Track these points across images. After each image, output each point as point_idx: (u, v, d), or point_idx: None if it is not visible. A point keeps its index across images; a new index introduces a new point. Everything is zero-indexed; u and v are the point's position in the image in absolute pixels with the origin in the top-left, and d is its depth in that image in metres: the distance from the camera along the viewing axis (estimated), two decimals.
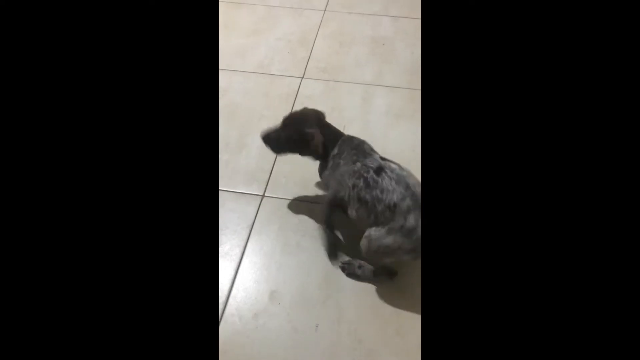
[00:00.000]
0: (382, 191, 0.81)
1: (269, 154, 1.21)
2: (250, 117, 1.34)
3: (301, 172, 1.17)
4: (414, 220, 0.79)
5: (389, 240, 0.81)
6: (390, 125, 1.32)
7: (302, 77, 1.49)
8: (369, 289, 0.93)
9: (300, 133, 0.91)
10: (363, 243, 0.85)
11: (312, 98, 1.41)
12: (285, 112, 1.34)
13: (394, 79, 1.49)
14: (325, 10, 1.87)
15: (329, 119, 1.02)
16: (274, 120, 1.32)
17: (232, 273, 0.96)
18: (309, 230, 1.04)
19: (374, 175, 0.83)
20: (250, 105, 1.38)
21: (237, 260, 0.98)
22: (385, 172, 0.83)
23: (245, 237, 1.02)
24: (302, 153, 0.96)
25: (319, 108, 1.31)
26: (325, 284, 0.94)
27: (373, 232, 0.83)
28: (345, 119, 1.33)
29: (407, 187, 0.81)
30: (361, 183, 0.84)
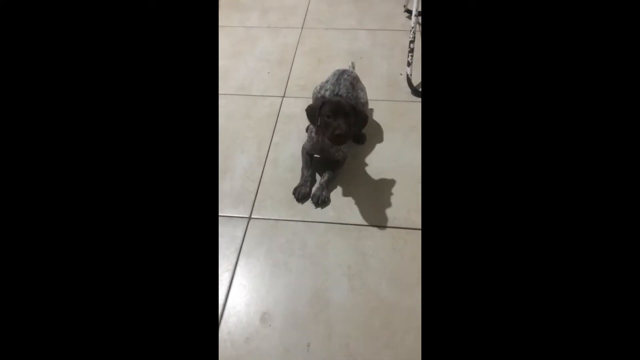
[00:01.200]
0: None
1: (254, 175, 1.24)
2: (234, 139, 1.36)
3: (287, 192, 1.19)
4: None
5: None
6: (371, 136, 1.35)
7: (283, 96, 1.52)
8: (357, 303, 0.95)
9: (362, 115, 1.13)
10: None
11: (294, 116, 1.43)
12: (269, 132, 1.37)
13: (373, 91, 1.52)
14: (302, 28, 1.91)
15: None
16: (257, 141, 1.35)
17: (223, 298, 0.97)
18: (297, 250, 1.05)
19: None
20: (233, 128, 1.40)
21: (227, 284, 0.99)
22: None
23: (234, 261, 1.04)
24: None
25: (302, 126, 1.35)
26: (315, 301, 0.95)
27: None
28: None
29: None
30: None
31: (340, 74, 1.29)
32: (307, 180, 1.20)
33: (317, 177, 1.23)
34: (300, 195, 1.17)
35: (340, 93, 1.22)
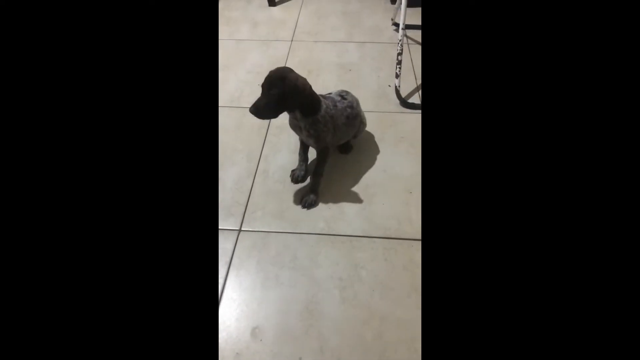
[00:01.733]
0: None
1: (244, 186, 1.23)
2: (224, 151, 1.36)
3: (277, 203, 1.18)
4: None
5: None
6: (361, 147, 1.36)
7: None
8: (349, 315, 0.94)
9: (289, 84, 0.97)
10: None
11: (284, 128, 1.44)
12: (259, 144, 1.37)
13: (362, 102, 1.53)
14: (292, 41, 1.93)
15: None
16: (247, 153, 1.35)
17: None
18: (288, 262, 1.04)
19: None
20: (223, 139, 1.40)
21: (217, 298, 0.98)
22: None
23: (224, 274, 1.02)
24: (296, 104, 1.02)
25: (293, 136, 1.36)
26: (306, 314, 0.94)
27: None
28: None
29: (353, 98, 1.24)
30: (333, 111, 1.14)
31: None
32: (302, 164, 1.25)
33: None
34: (294, 178, 1.25)
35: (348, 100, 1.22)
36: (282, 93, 0.97)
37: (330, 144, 1.18)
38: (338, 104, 1.16)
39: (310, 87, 1.04)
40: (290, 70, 1.01)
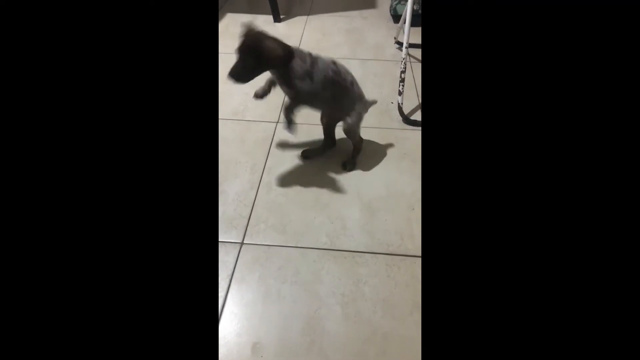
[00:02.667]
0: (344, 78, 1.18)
1: (247, 199, 1.23)
2: (227, 163, 1.36)
3: (280, 217, 1.18)
4: (357, 88, 1.23)
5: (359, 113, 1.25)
6: (362, 163, 1.37)
7: (277, 122, 1.54)
8: (351, 332, 0.93)
9: (263, 49, 1.01)
10: (347, 126, 1.27)
11: (288, 142, 1.45)
12: (262, 157, 1.38)
13: (365, 118, 1.55)
14: None
15: (305, 160, 1.32)
16: (250, 166, 1.35)
17: None
18: (290, 277, 1.04)
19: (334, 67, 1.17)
20: (227, 152, 1.41)
21: (218, 312, 0.96)
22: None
23: (225, 288, 1.01)
24: (269, 67, 1.07)
25: (297, 150, 1.36)
26: (308, 330, 0.93)
27: (349, 118, 1.25)
28: (320, 159, 1.37)
29: (346, 71, 1.20)
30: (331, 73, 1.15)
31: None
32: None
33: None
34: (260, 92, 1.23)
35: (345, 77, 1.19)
36: (258, 63, 1.02)
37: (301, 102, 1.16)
38: (319, 61, 1.12)
39: (288, 50, 1.06)
40: (265, 38, 1.02)
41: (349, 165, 1.35)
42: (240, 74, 1.00)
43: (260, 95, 1.23)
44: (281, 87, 1.17)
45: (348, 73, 1.20)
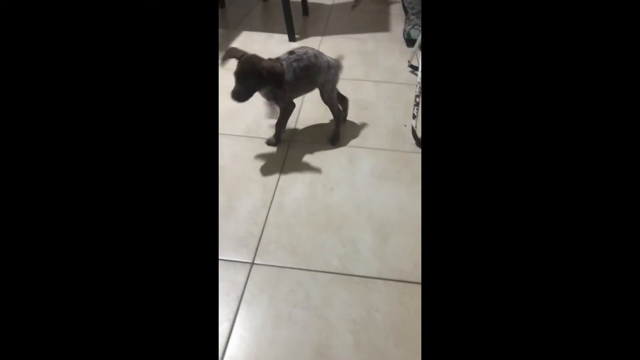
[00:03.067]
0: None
1: (259, 217, 1.22)
2: (239, 180, 1.36)
3: (291, 238, 1.17)
4: (322, 59, 1.38)
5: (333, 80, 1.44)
6: (374, 186, 1.36)
7: (291, 140, 1.54)
8: (361, 357, 0.90)
9: (264, 69, 1.21)
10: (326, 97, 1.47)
11: (299, 161, 1.45)
12: (275, 175, 1.38)
13: (377, 141, 1.55)
14: None
15: (317, 181, 1.37)
16: (262, 184, 1.34)
17: (222, 349, 0.91)
18: (301, 301, 1.01)
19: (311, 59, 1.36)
20: (239, 169, 1.40)
21: (226, 335, 0.94)
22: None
23: (234, 309, 0.99)
24: (269, 83, 1.25)
25: (308, 170, 1.37)
26: (318, 358, 0.90)
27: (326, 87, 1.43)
28: (332, 181, 1.37)
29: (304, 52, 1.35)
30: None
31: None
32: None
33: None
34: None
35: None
36: (258, 83, 1.21)
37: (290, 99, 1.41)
38: (284, 61, 1.31)
39: (281, 71, 1.23)
40: (260, 61, 1.22)
41: (334, 138, 1.50)
42: (241, 95, 1.21)
43: (274, 143, 1.50)
44: (268, 102, 1.38)
45: (306, 53, 1.35)
